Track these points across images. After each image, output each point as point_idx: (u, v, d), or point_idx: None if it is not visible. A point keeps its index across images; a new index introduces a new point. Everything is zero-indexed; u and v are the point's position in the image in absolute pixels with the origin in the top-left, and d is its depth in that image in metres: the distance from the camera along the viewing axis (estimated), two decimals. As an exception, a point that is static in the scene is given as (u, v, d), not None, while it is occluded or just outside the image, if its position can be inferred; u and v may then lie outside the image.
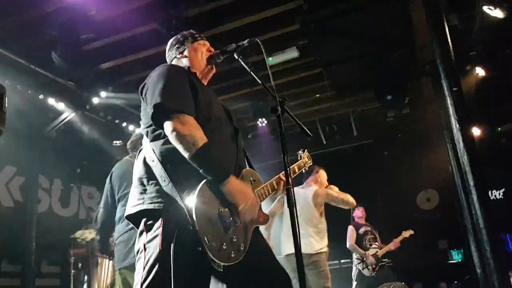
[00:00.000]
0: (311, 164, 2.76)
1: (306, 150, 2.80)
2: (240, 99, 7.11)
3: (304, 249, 4.08)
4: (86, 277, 4.88)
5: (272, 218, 4.94)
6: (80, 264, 4.96)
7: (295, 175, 2.63)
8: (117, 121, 6.46)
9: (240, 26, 5.12)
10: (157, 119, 1.92)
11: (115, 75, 5.92)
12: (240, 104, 7.29)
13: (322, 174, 4.90)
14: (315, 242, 4.48)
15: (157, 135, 1.99)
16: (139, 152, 2.10)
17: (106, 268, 5.10)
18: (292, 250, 5.36)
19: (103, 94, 5.80)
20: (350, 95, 7.24)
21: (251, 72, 2.13)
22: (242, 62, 2.15)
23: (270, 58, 5.60)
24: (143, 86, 2.09)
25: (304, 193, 4.68)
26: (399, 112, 7.24)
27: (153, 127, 1.99)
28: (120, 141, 6.08)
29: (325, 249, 4.56)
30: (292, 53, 5.64)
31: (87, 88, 5.68)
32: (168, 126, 1.88)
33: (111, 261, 5.12)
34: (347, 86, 6.01)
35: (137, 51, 5.38)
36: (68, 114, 6.03)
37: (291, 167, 2.28)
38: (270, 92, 2.07)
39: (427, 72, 5.07)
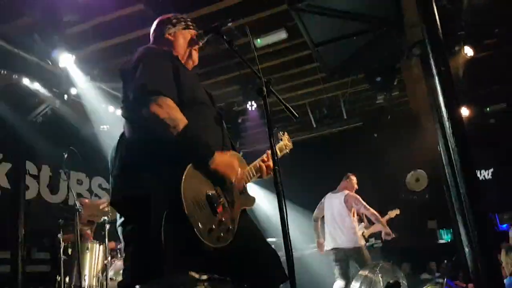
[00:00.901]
0: (291, 146, 2.74)
1: (286, 132, 2.79)
2: (229, 83, 7.05)
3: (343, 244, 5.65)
4: (76, 263, 4.87)
5: (316, 222, 6.18)
6: (70, 250, 4.93)
7: (277, 158, 2.61)
8: (103, 106, 6.37)
9: (228, 6, 5.03)
10: (137, 101, 1.89)
11: (100, 59, 5.83)
12: (229, 87, 7.23)
13: (353, 179, 6.24)
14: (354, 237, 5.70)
15: (137, 118, 1.96)
16: (121, 137, 2.06)
17: (96, 253, 5.09)
18: (329, 246, 5.58)
19: (88, 78, 5.71)
20: (340, 77, 7.21)
21: (235, 52, 2.09)
22: (226, 42, 2.12)
23: (259, 40, 5.52)
24: (124, 68, 2.05)
25: (337, 197, 5.99)
26: (388, 94, 7.22)
27: (133, 110, 1.95)
28: (107, 126, 6.02)
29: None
30: (280, 35, 5.58)
31: (72, 72, 5.57)
32: (147, 109, 1.85)
33: (101, 246, 5.12)
34: (336, 68, 5.96)
35: (122, 34, 5.28)
36: (53, 98, 5.94)
37: (269, 152, 2.26)
38: (255, 73, 2.04)
39: (416, 52, 5.04)
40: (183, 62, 2.23)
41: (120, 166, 1.98)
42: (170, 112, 1.85)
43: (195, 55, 2.30)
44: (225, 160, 1.91)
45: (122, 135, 2.06)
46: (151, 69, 1.94)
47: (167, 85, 1.95)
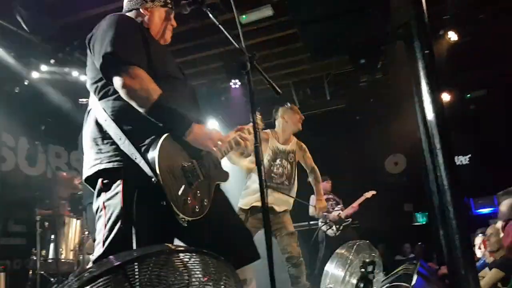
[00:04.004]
0: (263, 126, 2.73)
1: (258, 112, 2.75)
2: (212, 59, 6.95)
3: None
4: (53, 236, 4.83)
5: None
6: (46, 223, 4.88)
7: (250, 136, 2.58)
8: (83, 78, 6.23)
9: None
10: (106, 72, 1.81)
11: (80, 29, 5.66)
12: (212, 64, 7.13)
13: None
14: None
15: (106, 92, 1.88)
16: (88, 113, 2.00)
17: (73, 228, 5.05)
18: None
19: (68, 48, 5.56)
20: (324, 58, 7.19)
21: (219, 25, 2.05)
22: (210, 14, 2.07)
23: (244, 16, 5.44)
24: (91, 36, 1.94)
25: None
26: (372, 76, 7.25)
27: (102, 81, 1.88)
28: (87, 99, 5.88)
29: None
30: (266, 11, 5.50)
31: (52, 42, 5.42)
32: (118, 79, 1.77)
33: (78, 221, 5.08)
34: (321, 48, 5.94)
35: (105, 4, 5.13)
36: (31, 69, 5.78)
37: (246, 127, 2.24)
38: (239, 47, 2.01)
39: (401, 35, 5.04)
40: (154, 36, 2.14)
41: (90, 139, 1.93)
42: (143, 82, 1.78)
43: (168, 34, 2.21)
44: (204, 131, 1.87)
45: (90, 110, 1.99)
46: (120, 37, 1.85)
47: (139, 55, 1.87)
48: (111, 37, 1.83)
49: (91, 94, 1.99)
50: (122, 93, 1.79)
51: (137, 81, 1.77)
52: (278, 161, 4.27)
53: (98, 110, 1.91)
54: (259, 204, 3.98)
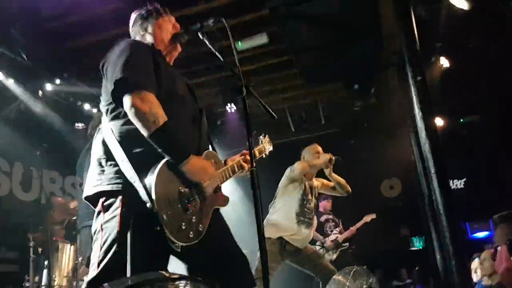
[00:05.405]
0: (271, 149, 2.76)
1: (267, 135, 2.80)
2: (209, 85, 7.03)
3: None
4: (46, 262, 4.77)
5: None
6: (40, 249, 4.82)
7: (256, 159, 2.62)
8: (79, 103, 6.26)
9: (209, 9, 5.02)
10: (117, 95, 1.85)
11: (78, 55, 5.73)
12: (209, 89, 7.21)
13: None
14: None
15: (116, 115, 1.93)
16: (97, 132, 2.04)
17: (67, 253, 4.99)
18: None
19: (65, 74, 5.61)
20: (318, 83, 7.29)
21: (216, 52, 2.09)
22: (207, 42, 2.11)
23: (240, 43, 5.54)
24: (104, 61, 2.01)
25: None
26: (365, 101, 7.33)
27: (113, 105, 1.92)
28: (83, 124, 5.91)
29: None
30: (262, 39, 5.60)
31: (48, 68, 5.47)
32: (127, 102, 1.81)
33: (72, 246, 5.02)
34: (315, 74, 6.03)
35: (103, 30, 5.21)
36: (27, 94, 5.81)
37: (246, 152, 2.27)
38: (235, 73, 2.04)
39: (394, 62, 5.14)
40: (165, 53, 2.20)
41: (95, 158, 1.96)
42: (152, 106, 1.82)
43: (177, 50, 2.28)
44: (198, 164, 1.88)
45: (99, 129, 2.03)
46: (132, 62, 1.90)
47: (150, 79, 1.92)
48: (123, 62, 1.88)
49: (103, 115, 2.02)
50: (130, 114, 1.82)
51: (147, 105, 1.81)
52: (310, 196, 4.32)
53: (106, 130, 1.95)
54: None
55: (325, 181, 4.54)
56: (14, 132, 6.16)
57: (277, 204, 4.29)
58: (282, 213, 4.18)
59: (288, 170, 4.35)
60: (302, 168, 4.20)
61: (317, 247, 6.48)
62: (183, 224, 1.79)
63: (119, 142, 1.87)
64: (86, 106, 6.38)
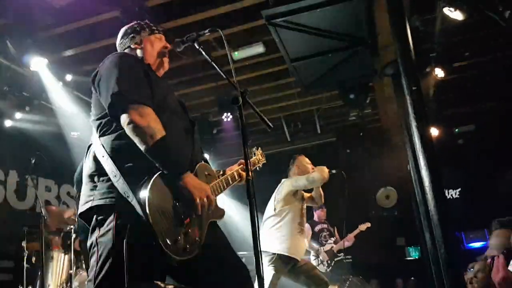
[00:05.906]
0: (264, 161, 2.77)
1: (260, 148, 2.81)
2: (205, 93, 7.04)
3: None
4: (40, 272, 4.72)
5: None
6: (34, 259, 4.78)
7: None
8: (75, 111, 6.24)
9: (205, 18, 5.03)
10: (114, 111, 1.84)
11: (73, 64, 5.73)
12: (205, 98, 7.22)
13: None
14: None
15: (108, 129, 1.91)
16: (88, 148, 2.02)
17: (61, 263, 4.95)
18: None
19: (59, 83, 5.60)
20: (314, 93, 7.32)
21: (212, 62, 2.10)
22: (203, 52, 2.12)
23: (236, 53, 5.56)
24: (95, 75, 1.99)
25: None
26: (361, 111, 7.36)
27: (106, 119, 1.91)
28: (78, 132, 5.89)
29: None
30: (258, 48, 5.63)
31: (43, 77, 5.45)
32: (125, 117, 1.81)
33: (67, 256, 4.98)
34: (311, 83, 6.05)
35: (97, 40, 5.20)
36: (23, 103, 5.79)
37: (243, 162, 2.27)
38: (231, 82, 2.05)
39: (389, 72, 5.16)
40: (154, 68, 2.19)
41: (87, 175, 1.94)
42: (150, 121, 1.81)
43: (166, 60, 2.26)
44: (194, 182, 1.87)
45: (90, 145, 2.01)
46: (125, 75, 1.90)
47: (146, 93, 1.91)
48: (117, 76, 1.87)
49: (93, 130, 2.01)
50: (127, 129, 1.81)
51: (145, 119, 1.81)
52: (305, 206, 4.42)
53: (97, 146, 1.93)
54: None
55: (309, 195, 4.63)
56: (9, 139, 6.14)
57: (278, 216, 4.26)
58: (286, 225, 4.19)
59: (289, 180, 4.36)
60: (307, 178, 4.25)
61: (312, 257, 6.46)
62: (179, 238, 1.78)
63: (111, 157, 1.86)
64: (81, 115, 6.35)
